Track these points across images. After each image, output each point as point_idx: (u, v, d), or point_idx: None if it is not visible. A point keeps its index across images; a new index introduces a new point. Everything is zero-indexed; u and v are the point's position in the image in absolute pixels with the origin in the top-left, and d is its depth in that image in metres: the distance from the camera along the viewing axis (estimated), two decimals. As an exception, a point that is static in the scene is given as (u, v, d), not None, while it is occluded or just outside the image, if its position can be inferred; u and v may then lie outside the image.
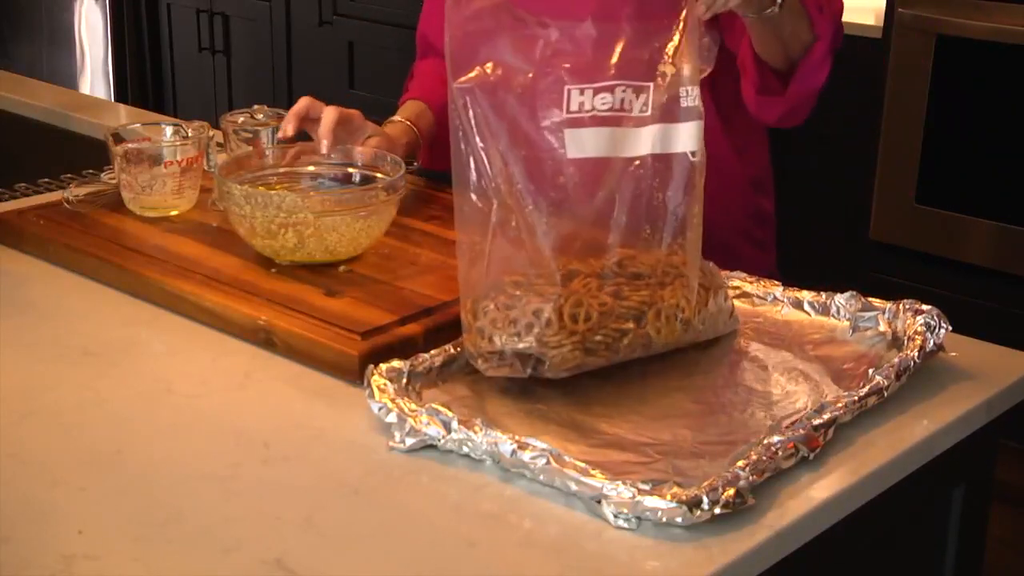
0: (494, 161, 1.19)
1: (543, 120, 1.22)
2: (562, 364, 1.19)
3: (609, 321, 1.20)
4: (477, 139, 1.19)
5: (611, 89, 1.23)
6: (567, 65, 1.22)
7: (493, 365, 1.20)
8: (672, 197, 1.24)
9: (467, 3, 1.22)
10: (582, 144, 1.22)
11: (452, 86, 1.20)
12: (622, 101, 1.23)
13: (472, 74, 1.20)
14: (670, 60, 1.24)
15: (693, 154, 1.25)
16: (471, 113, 1.19)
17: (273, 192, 1.46)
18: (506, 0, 1.24)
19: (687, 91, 1.25)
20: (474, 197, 1.20)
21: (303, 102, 1.58)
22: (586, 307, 1.19)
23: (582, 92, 1.22)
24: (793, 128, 1.80)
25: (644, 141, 1.23)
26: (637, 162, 1.23)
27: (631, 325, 1.22)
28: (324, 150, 1.55)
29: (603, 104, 1.22)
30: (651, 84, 1.24)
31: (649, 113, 1.24)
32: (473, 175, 1.20)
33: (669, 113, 1.24)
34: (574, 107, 1.22)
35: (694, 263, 1.26)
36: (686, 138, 1.25)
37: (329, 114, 1.56)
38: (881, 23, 2.90)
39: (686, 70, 1.25)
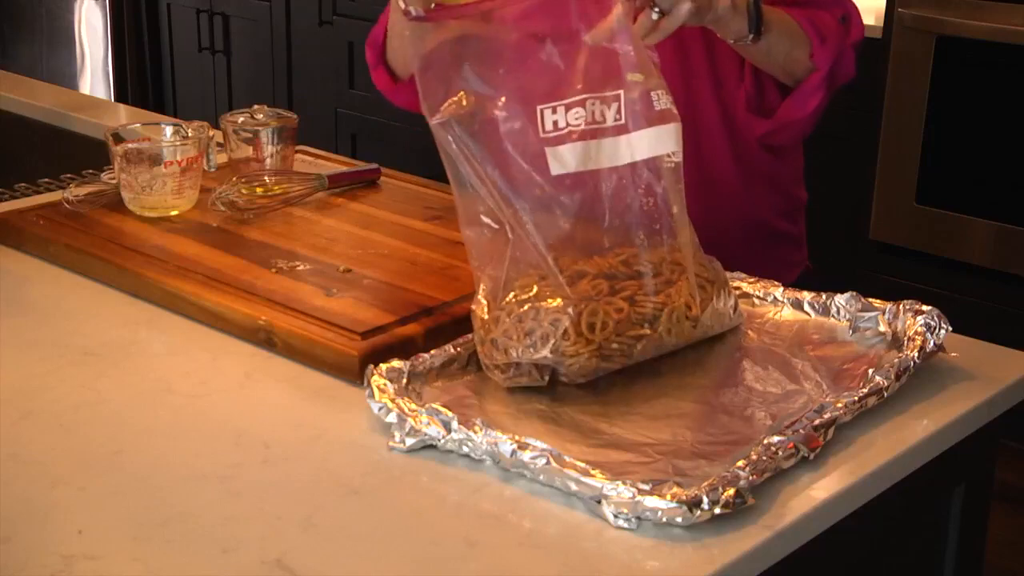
0: (487, 183, 1.20)
1: (522, 141, 1.21)
2: (579, 373, 1.20)
3: (625, 328, 1.21)
4: (466, 166, 1.20)
5: (582, 103, 1.22)
6: (536, 84, 1.22)
7: (510, 376, 1.20)
8: (659, 201, 1.24)
9: (429, 38, 1.23)
10: (563, 160, 1.22)
11: (431, 123, 1.20)
12: (594, 113, 1.22)
13: (445, 107, 1.20)
14: (634, 67, 1.24)
15: (674, 154, 1.25)
16: (455, 146, 1.20)
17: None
18: (471, 19, 1.24)
19: (658, 95, 1.25)
20: (481, 215, 1.21)
21: None
22: (603, 315, 1.19)
23: (554, 111, 1.22)
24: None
25: (623, 150, 1.23)
26: (620, 171, 1.23)
27: (646, 331, 1.22)
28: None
29: (576, 119, 1.22)
30: (620, 92, 1.23)
31: (624, 121, 1.23)
32: (471, 197, 1.21)
33: (643, 119, 1.24)
34: (548, 127, 1.22)
35: (690, 261, 1.26)
36: (665, 141, 1.24)
37: None
38: (881, 23, 2.90)
39: (652, 74, 1.25)
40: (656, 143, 1.24)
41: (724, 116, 1.65)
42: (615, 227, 1.24)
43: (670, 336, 1.24)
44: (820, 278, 1.76)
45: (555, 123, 1.21)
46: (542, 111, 1.21)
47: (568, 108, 1.22)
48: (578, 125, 1.22)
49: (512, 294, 1.21)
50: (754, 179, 1.68)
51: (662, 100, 1.25)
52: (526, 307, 1.20)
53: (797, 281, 1.73)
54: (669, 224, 1.25)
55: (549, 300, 1.19)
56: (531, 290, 1.20)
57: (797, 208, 1.79)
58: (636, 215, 1.24)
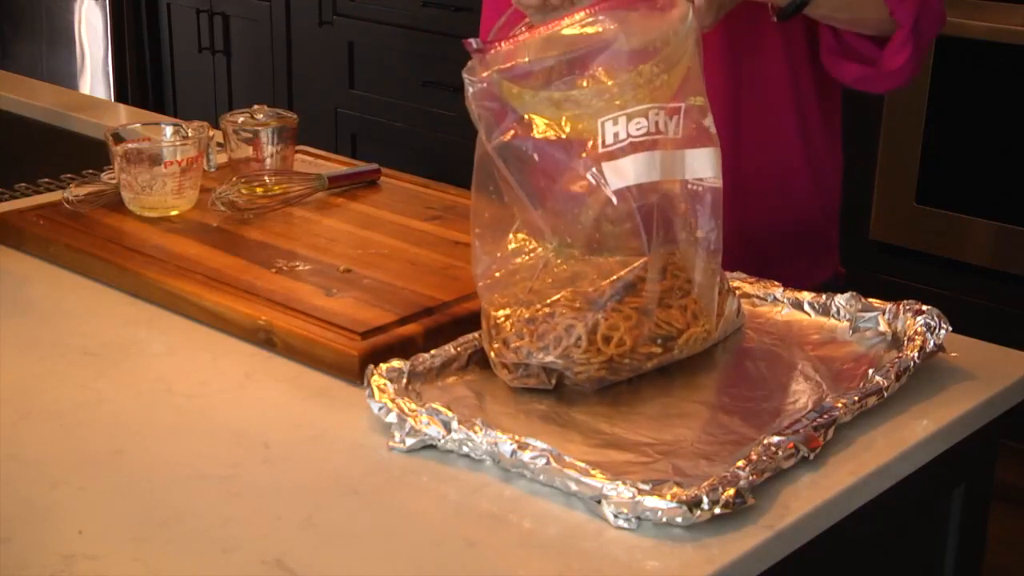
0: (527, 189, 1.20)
1: (579, 160, 1.19)
2: (586, 381, 1.20)
3: (639, 345, 1.20)
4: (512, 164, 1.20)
5: (644, 113, 1.19)
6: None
7: (518, 376, 1.20)
8: (698, 222, 1.23)
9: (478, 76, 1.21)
10: (623, 173, 1.18)
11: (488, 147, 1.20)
12: (656, 124, 1.19)
13: (505, 136, 1.20)
14: (694, 90, 1.22)
15: (714, 178, 1.23)
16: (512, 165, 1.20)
17: None
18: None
19: (708, 116, 1.23)
20: (497, 204, 1.21)
21: None
22: (622, 332, 1.19)
23: (615, 122, 1.19)
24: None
25: (678, 165, 1.21)
26: (668, 187, 1.21)
27: (659, 350, 1.22)
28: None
29: (638, 130, 1.19)
30: (682, 105, 1.21)
31: (681, 136, 1.21)
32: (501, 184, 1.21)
33: (695, 138, 1.22)
34: (609, 140, 1.19)
35: (713, 287, 1.25)
36: (705, 164, 1.22)
37: None
38: (881, 23, 2.90)
39: (706, 96, 1.23)
40: (699, 164, 1.22)
41: (768, 107, 1.60)
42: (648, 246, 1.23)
43: (681, 354, 1.24)
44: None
45: (616, 135, 1.18)
46: (603, 124, 1.18)
47: (630, 118, 1.19)
48: (638, 135, 1.19)
49: (529, 296, 1.21)
50: (794, 175, 1.65)
51: (708, 121, 1.23)
52: (543, 310, 1.20)
53: (826, 283, 1.71)
54: (702, 250, 1.24)
55: (567, 307, 1.19)
56: (549, 294, 1.20)
57: (831, 212, 1.78)
58: (669, 236, 1.22)
